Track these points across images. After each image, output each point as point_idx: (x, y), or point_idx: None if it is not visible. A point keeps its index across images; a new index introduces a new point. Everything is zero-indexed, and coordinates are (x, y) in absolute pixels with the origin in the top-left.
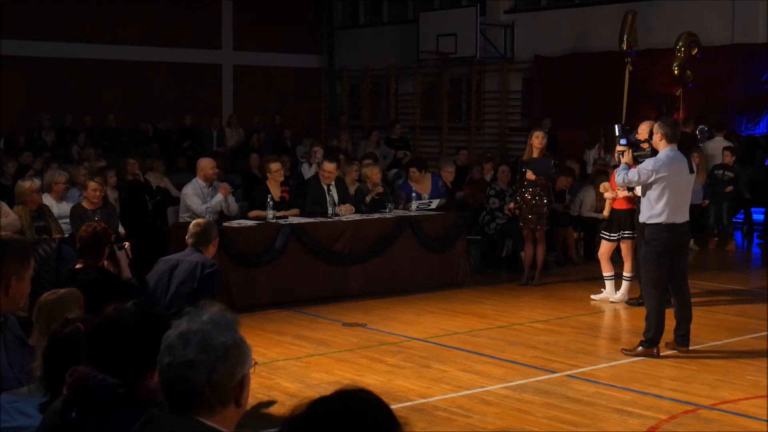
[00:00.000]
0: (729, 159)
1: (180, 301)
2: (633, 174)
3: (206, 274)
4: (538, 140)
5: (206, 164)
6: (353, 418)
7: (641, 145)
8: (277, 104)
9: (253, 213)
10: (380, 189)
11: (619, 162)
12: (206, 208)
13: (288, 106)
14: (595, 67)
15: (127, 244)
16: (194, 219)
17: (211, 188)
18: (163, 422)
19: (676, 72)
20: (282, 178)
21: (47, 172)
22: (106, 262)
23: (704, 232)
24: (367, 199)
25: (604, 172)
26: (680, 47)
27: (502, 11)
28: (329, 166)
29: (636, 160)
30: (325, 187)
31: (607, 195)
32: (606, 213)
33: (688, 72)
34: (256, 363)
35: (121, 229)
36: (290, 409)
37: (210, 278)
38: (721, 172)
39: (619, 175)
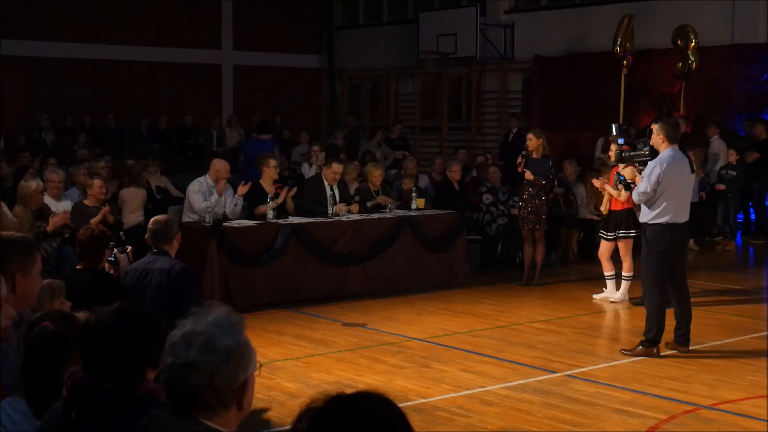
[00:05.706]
0: (733, 158)
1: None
2: (641, 185)
3: (178, 278)
4: (530, 142)
5: (222, 166)
6: (370, 416)
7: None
8: (277, 104)
9: (259, 209)
10: (381, 200)
11: (616, 160)
12: (206, 208)
13: (288, 106)
14: (595, 67)
15: (129, 248)
16: (197, 218)
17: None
18: (165, 423)
19: (680, 65)
20: (276, 176)
21: (46, 171)
22: (107, 265)
23: (704, 232)
24: (369, 204)
25: (596, 169)
26: (681, 44)
27: (502, 11)
28: (338, 167)
29: (631, 160)
30: (328, 187)
31: (602, 188)
32: (605, 209)
33: (691, 67)
34: (261, 366)
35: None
36: (307, 401)
37: (183, 281)
38: (725, 171)
39: (634, 196)
